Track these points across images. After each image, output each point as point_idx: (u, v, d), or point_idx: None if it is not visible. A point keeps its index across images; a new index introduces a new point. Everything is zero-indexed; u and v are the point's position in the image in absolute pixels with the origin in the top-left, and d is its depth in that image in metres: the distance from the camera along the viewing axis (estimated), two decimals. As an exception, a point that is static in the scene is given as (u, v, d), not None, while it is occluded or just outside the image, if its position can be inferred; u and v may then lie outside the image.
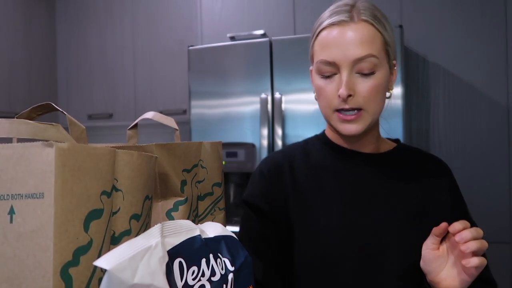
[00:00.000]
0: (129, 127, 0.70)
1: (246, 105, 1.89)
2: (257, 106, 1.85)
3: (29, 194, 0.35)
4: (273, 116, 1.82)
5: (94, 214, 0.38)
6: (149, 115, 0.67)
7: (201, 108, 1.97)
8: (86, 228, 0.37)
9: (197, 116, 1.97)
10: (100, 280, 0.38)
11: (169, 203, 0.61)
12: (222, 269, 0.46)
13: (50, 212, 0.34)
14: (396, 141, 0.83)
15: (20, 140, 0.45)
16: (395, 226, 0.71)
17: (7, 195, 0.35)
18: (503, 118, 1.80)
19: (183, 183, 0.62)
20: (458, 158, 1.86)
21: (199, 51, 1.98)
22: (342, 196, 0.73)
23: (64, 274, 0.35)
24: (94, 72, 2.64)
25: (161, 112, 2.46)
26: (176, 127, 0.69)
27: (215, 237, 0.48)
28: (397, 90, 1.68)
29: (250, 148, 1.86)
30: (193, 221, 0.64)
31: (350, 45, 0.66)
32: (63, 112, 0.48)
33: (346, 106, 0.67)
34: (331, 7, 0.72)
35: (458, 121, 1.87)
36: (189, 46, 2.01)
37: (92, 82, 2.65)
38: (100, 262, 0.33)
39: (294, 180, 0.76)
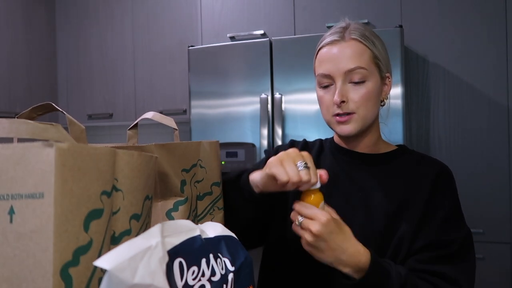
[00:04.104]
0: (129, 127, 0.70)
1: (246, 105, 1.89)
2: (257, 106, 1.85)
3: (29, 194, 0.35)
4: (273, 116, 1.82)
5: (94, 214, 0.38)
6: (149, 115, 0.68)
7: (201, 108, 1.97)
8: (86, 228, 0.37)
9: (197, 116, 1.97)
10: (100, 280, 0.38)
11: (169, 203, 0.61)
12: (222, 269, 0.46)
13: (50, 212, 0.34)
14: (399, 146, 0.91)
15: (20, 140, 0.45)
16: (362, 212, 0.80)
17: (7, 195, 0.35)
18: (503, 118, 1.80)
19: (183, 183, 0.62)
20: (458, 158, 1.86)
21: (199, 51, 1.98)
22: (328, 183, 0.85)
23: (64, 274, 0.35)
24: (94, 72, 2.64)
25: (161, 112, 2.45)
26: (176, 127, 0.69)
27: (215, 237, 0.48)
28: (397, 90, 1.68)
29: (250, 148, 1.86)
30: (193, 221, 0.64)
31: (342, 60, 0.78)
32: (63, 112, 0.48)
33: (341, 111, 0.79)
34: (329, 30, 0.84)
35: (458, 121, 1.87)
36: (189, 46, 2.01)
37: (92, 82, 2.65)
38: (100, 262, 0.33)
39: None
